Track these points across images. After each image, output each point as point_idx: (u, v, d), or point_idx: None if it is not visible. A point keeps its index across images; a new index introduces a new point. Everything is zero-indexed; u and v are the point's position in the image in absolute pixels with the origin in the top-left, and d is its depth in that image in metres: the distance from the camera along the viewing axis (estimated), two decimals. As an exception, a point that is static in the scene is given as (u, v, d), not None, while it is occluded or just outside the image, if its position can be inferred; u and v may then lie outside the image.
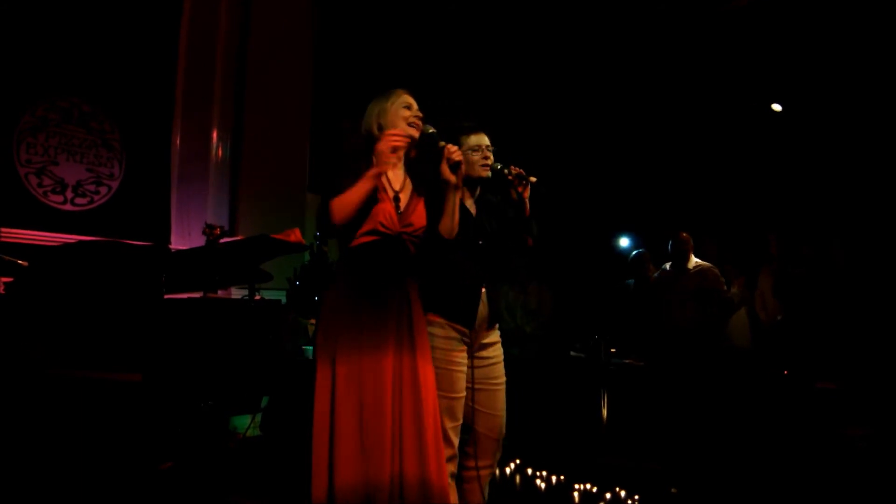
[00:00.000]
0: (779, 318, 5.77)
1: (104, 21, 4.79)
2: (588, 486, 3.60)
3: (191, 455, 3.20)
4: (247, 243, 3.81)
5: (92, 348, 2.97)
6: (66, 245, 3.46)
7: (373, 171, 2.20)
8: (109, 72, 4.84)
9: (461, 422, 2.44)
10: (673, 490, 3.69)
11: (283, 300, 5.09)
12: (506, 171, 2.48)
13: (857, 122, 6.47)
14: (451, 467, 2.40)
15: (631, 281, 5.79)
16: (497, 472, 2.93)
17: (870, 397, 4.63)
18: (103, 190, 4.82)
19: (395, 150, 2.23)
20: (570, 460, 4.08)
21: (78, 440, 2.87)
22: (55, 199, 4.58)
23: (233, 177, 5.48)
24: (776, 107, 7.08)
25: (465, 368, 2.45)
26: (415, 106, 2.37)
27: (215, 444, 3.37)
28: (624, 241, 8.03)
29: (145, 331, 3.05)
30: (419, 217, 2.34)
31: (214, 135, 5.38)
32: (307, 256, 5.41)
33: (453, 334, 2.43)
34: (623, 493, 3.48)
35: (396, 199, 2.32)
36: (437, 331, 2.41)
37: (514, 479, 3.83)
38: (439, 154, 2.32)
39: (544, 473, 3.85)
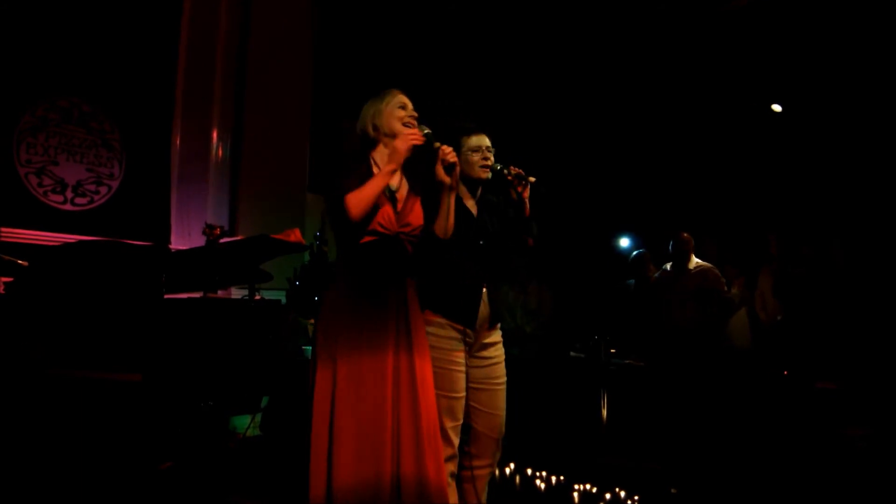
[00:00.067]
0: (779, 318, 5.77)
1: (104, 21, 4.79)
2: (588, 486, 3.60)
3: (191, 455, 3.21)
4: (247, 243, 3.82)
5: (92, 348, 2.97)
6: (66, 245, 3.46)
7: (388, 168, 2.23)
8: (109, 72, 4.84)
9: (461, 421, 2.45)
10: (673, 490, 3.69)
11: (283, 300, 5.10)
12: (505, 171, 2.49)
13: (857, 122, 6.47)
14: (451, 467, 2.41)
15: (631, 281, 5.78)
16: (497, 472, 2.93)
17: (870, 397, 4.63)
18: (103, 190, 4.82)
19: (413, 149, 2.25)
20: (570, 460, 4.07)
21: (78, 440, 2.87)
22: (55, 199, 4.58)
23: (233, 177, 5.49)
24: (776, 107, 7.08)
25: (464, 368, 2.46)
26: (410, 106, 2.38)
27: (215, 444, 3.38)
28: (624, 242, 8.03)
29: (145, 331, 3.06)
30: (417, 217, 2.34)
31: (214, 135, 5.38)
32: (307, 256, 5.42)
33: (453, 334, 2.44)
34: (623, 494, 3.47)
35: (394, 199, 2.33)
36: (437, 330, 2.41)
37: (514, 479, 3.82)
38: (434, 155, 2.33)
39: (544, 473, 3.84)
